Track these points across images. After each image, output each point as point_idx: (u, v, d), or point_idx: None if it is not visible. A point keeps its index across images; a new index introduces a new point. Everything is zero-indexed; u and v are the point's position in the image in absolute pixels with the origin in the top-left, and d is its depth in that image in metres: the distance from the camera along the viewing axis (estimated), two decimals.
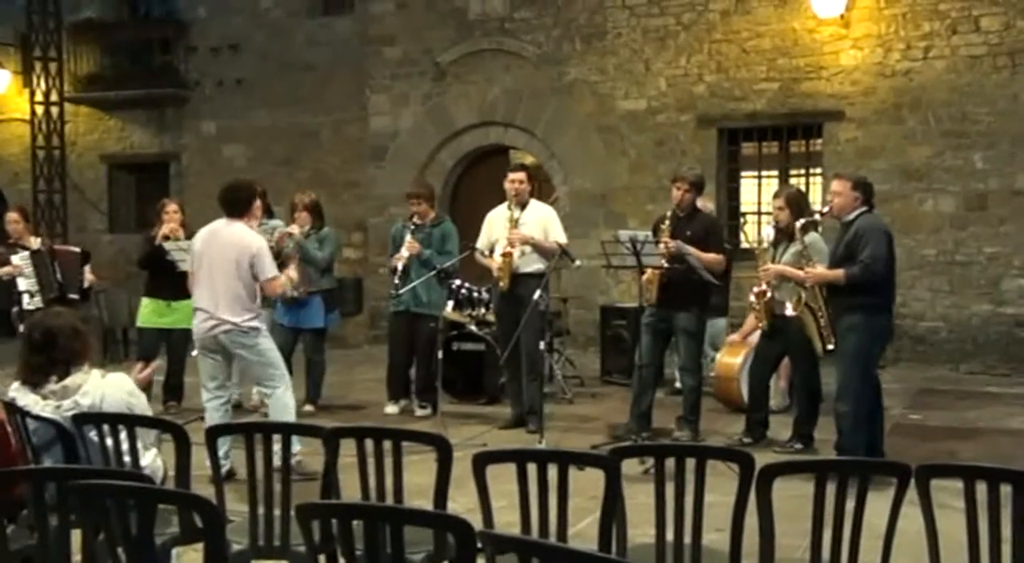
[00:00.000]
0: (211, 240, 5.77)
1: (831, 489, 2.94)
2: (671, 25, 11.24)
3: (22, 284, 7.94)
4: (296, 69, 13.38)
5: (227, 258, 5.64)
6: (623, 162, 11.57)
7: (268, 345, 5.85)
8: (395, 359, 8.02)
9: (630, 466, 3.54)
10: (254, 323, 5.73)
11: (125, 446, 3.65)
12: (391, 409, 7.97)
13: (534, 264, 7.13)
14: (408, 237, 7.66)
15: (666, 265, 6.50)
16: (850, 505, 2.92)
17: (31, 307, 7.77)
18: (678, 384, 7.93)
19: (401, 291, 7.61)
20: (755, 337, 7.21)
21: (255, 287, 5.72)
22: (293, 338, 7.94)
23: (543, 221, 7.25)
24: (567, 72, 11.74)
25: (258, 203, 6.00)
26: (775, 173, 11.24)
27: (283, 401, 5.77)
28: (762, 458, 3.11)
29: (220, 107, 14.04)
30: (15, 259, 7.98)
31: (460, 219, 12.01)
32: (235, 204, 5.78)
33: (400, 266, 7.62)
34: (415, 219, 7.74)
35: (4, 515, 3.16)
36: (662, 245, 6.49)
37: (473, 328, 8.38)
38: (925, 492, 2.90)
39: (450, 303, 8.39)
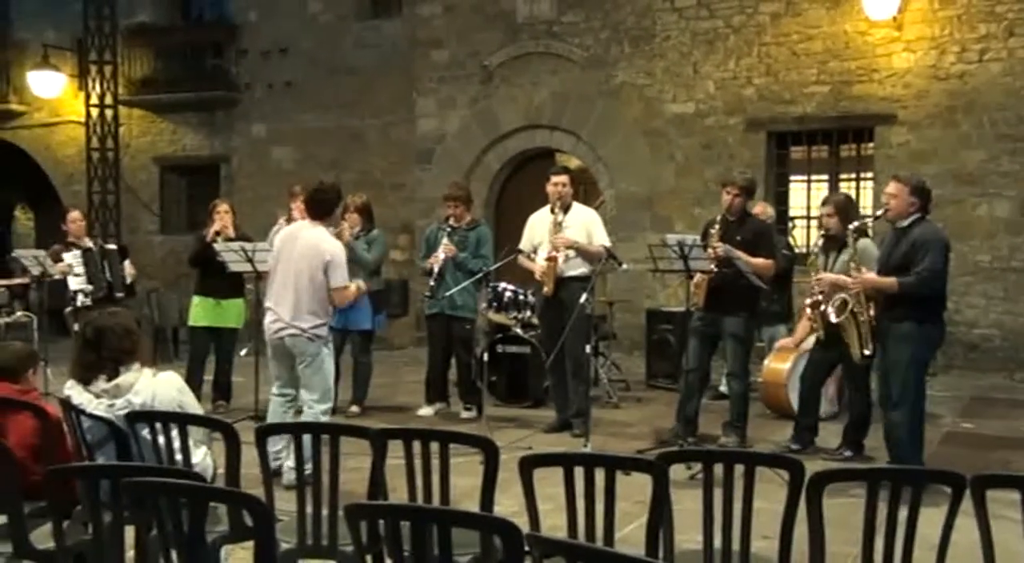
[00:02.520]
0: (290, 242, 5.76)
1: (883, 498, 2.90)
2: (720, 28, 11.17)
3: (73, 283, 8.09)
4: (344, 72, 13.50)
5: (302, 262, 5.61)
6: (670, 166, 11.51)
7: (328, 361, 5.79)
8: (432, 361, 8.05)
9: (676, 471, 3.52)
10: (321, 331, 5.68)
11: (177, 444, 3.71)
12: (425, 411, 7.99)
13: (578, 268, 7.11)
14: (444, 239, 7.68)
15: (715, 269, 6.45)
16: (903, 514, 2.87)
17: (83, 305, 7.92)
18: (722, 388, 7.90)
19: (441, 295, 7.61)
20: (806, 343, 7.14)
21: (327, 294, 5.68)
22: (341, 340, 7.99)
23: (586, 224, 7.22)
24: (614, 75, 11.71)
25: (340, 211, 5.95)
26: (825, 177, 11.11)
27: (320, 420, 5.61)
28: (811, 465, 3.08)
29: (269, 110, 14.20)
30: (67, 257, 8.15)
31: (505, 222, 12.13)
32: (318, 206, 5.76)
33: (436, 268, 7.64)
34: (451, 221, 7.76)
35: (60, 511, 3.22)
36: (710, 249, 6.44)
37: (518, 331, 8.37)
38: (980, 502, 2.85)
39: (494, 305, 8.40)
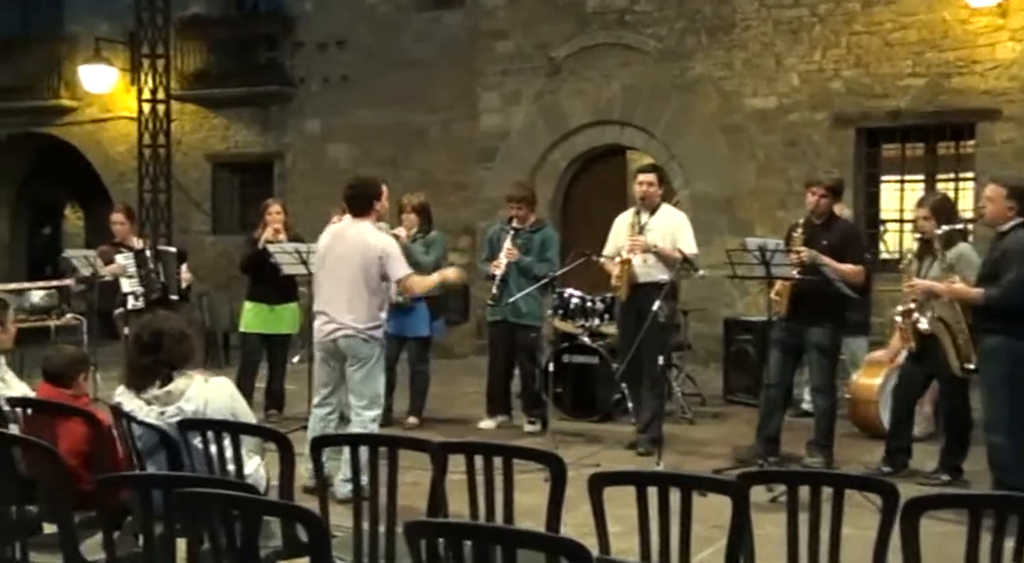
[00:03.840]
0: (335, 241, 5.84)
1: (987, 527, 2.83)
2: (805, 16, 11.03)
3: (126, 285, 8.26)
4: (403, 65, 13.58)
5: (351, 260, 5.68)
6: (750, 165, 11.40)
7: (380, 365, 5.86)
8: (494, 371, 8.07)
9: (757, 493, 3.48)
10: (376, 333, 5.74)
11: (229, 454, 3.77)
12: (486, 424, 8.00)
13: (659, 274, 7.03)
14: (508, 243, 7.69)
15: (798, 276, 6.38)
16: (1008, 546, 2.80)
17: (135, 308, 8.09)
18: (806, 405, 7.81)
19: (503, 303, 7.63)
20: (900, 357, 7.03)
21: (382, 293, 5.74)
22: (397, 347, 8.05)
23: (672, 229, 7.15)
24: (690, 67, 11.63)
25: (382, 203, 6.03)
26: (920, 177, 10.92)
27: (368, 427, 5.74)
28: (905, 490, 3.02)
29: (325, 105, 14.36)
30: (119, 259, 8.32)
31: (573, 224, 12.12)
32: (355, 201, 5.83)
33: (499, 274, 7.65)
34: (514, 223, 7.77)
35: (110, 522, 3.29)
36: (794, 254, 6.37)
37: (585, 340, 8.35)
38: None
39: (560, 312, 8.39)
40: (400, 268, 5.72)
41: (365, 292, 5.67)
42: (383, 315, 5.86)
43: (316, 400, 5.96)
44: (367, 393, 5.78)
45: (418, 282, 5.91)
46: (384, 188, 6.05)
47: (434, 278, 6.06)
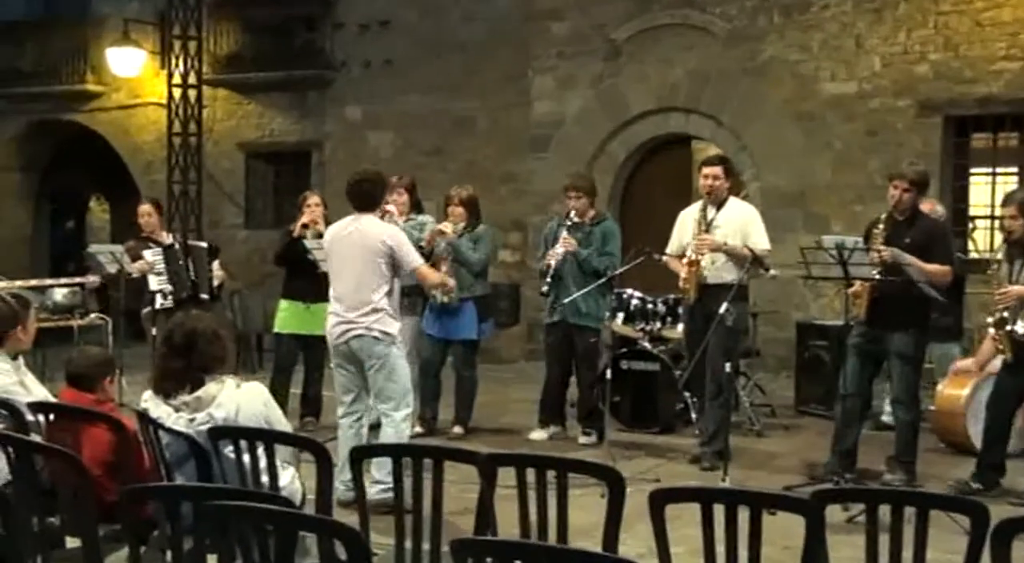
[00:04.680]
0: (339, 237, 6.02)
1: None
2: None
3: (154, 283, 8.38)
4: (450, 48, 13.63)
5: (357, 255, 5.86)
6: (826, 155, 11.31)
7: (401, 362, 6.00)
8: (550, 378, 8.07)
9: (832, 512, 3.46)
10: (389, 328, 5.87)
11: (262, 464, 3.80)
12: (537, 435, 8.01)
13: (729, 274, 7.02)
14: (564, 233, 7.69)
15: (879, 276, 6.32)
16: None
17: (163, 307, 8.20)
18: (887, 417, 7.74)
19: (560, 302, 7.62)
20: (990, 366, 6.93)
21: (393, 287, 5.89)
22: (442, 350, 8.08)
23: (742, 224, 7.14)
24: (762, 50, 11.56)
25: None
26: (1013, 170, 10.82)
27: (400, 428, 5.88)
28: (996, 511, 2.98)
29: (366, 90, 14.44)
30: (147, 255, 8.44)
31: (633, 220, 12.09)
32: (364, 197, 6.01)
33: (552, 264, 7.64)
34: (572, 216, 7.77)
35: (136, 535, 3.34)
36: (874, 253, 6.31)
37: (646, 345, 8.32)
38: None
39: (620, 315, 8.36)
40: (413, 258, 5.94)
41: (374, 288, 5.84)
42: (397, 308, 6.03)
43: (340, 411, 6.10)
44: (393, 393, 5.92)
45: (428, 275, 6.25)
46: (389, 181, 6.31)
47: (434, 279, 6.46)
